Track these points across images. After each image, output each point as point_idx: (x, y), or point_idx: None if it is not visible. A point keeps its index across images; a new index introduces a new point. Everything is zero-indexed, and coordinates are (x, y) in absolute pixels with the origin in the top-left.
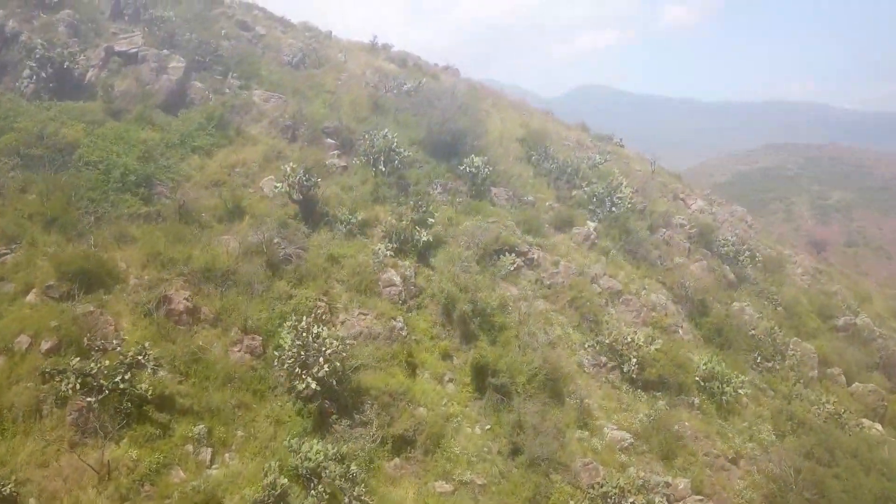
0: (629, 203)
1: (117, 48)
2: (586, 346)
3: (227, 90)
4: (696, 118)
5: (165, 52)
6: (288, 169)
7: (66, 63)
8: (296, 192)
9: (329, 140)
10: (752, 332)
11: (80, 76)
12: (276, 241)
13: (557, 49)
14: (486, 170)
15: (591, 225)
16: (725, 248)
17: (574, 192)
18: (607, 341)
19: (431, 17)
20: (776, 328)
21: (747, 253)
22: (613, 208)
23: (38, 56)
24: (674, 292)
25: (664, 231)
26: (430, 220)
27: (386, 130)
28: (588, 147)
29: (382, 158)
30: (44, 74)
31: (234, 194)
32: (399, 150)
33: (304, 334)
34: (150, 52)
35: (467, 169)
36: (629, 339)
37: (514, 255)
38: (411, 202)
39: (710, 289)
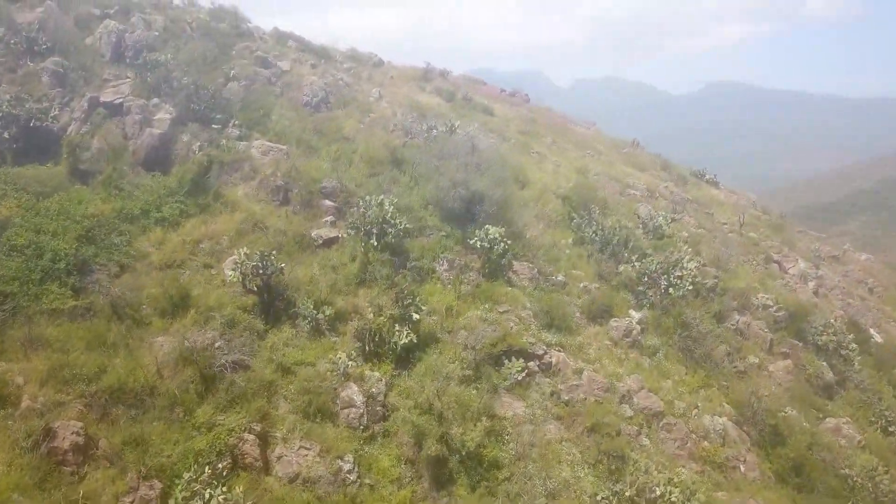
0: (692, 281)
1: (103, 98)
2: (600, 497)
3: (224, 142)
4: (842, 116)
5: (156, 100)
6: (241, 254)
7: (33, 121)
8: (251, 280)
9: (327, 202)
10: (846, 470)
11: (59, 131)
12: (217, 344)
13: (690, 43)
14: (503, 244)
15: (636, 316)
16: (824, 337)
17: (621, 268)
18: (628, 493)
19: (554, 15)
20: (880, 466)
21: (854, 345)
22: (671, 289)
23: (1, 114)
24: (740, 409)
25: (739, 317)
26: (416, 314)
27: (382, 196)
28: (661, 195)
29: (375, 231)
30: (6, 135)
31: (178, 282)
32: (395, 221)
33: (195, 499)
34: (134, 103)
35: (478, 243)
36: (658, 492)
37: (523, 360)
38: (393, 291)
39: (795, 398)
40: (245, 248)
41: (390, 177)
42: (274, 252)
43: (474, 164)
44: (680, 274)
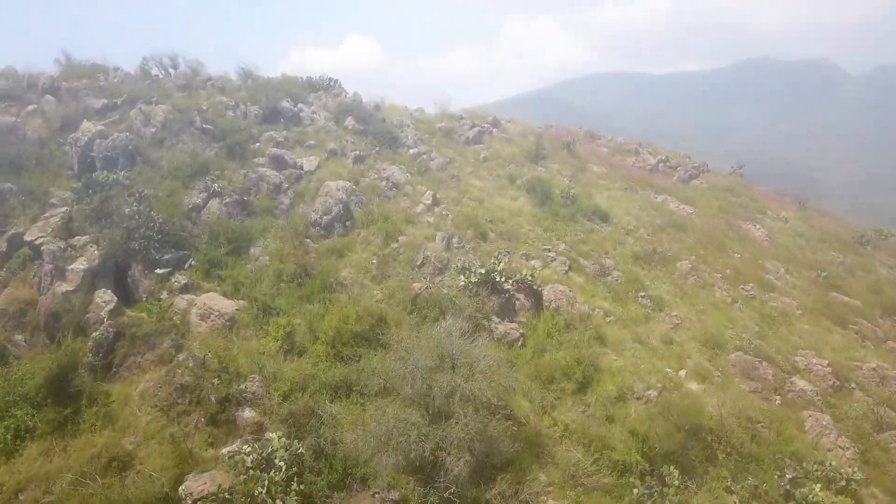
0: None
1: (28, 236)
2: None
3: (165, 295)
4: None
5: (85, 238)
6: None
7: None
8: None
9: (247, 413)
10: None
11: None
12: None
13: None
14: None
15: None
16: None
17: None
18: None
19: None
20: None
21: None
22: None
23: None
24: None
25: None
26: None
27: (276, 435)
28: (860, 387)
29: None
30: None
31: None
32: (291, 487)
33: None
34: (48, 246)
35: None
36: None
37: None
38: None
39: None
40: None
41: (355, 369)
42: None
43: (447, 387)
44: None
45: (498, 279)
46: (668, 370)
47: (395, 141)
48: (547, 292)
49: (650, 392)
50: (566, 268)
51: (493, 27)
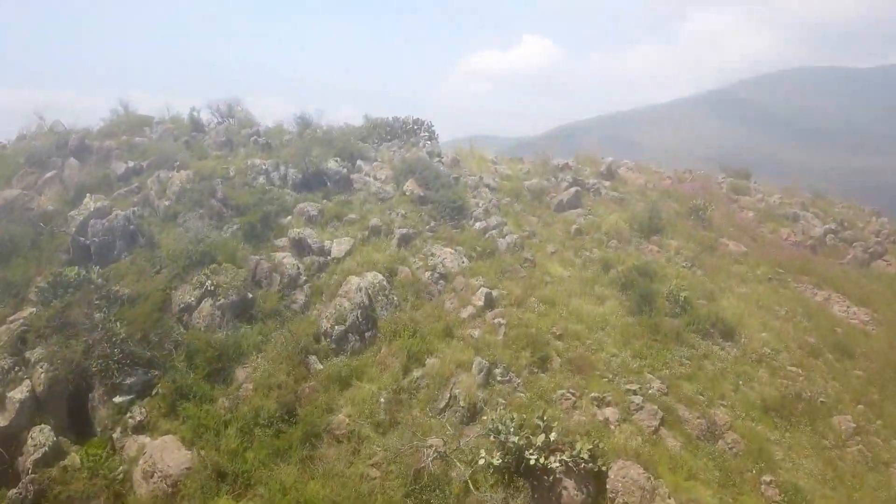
0: None
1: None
2: None
3: (118, 434)
4: None
5: (39, 352)
6: None
7: None
8: None
9: None
10: None
11: None
12: None
13: None
14: None
15: None
16: None
17: None
18: None
19: None
20: None
21: None
22: None
23: None
24: None
25: None
26: None
27: None
28: None
29: None
30: None
31: None
32: None
33: None
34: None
35: None
36: None
37: None
38: None
39: None
40: None
41: None
42: None
43: None
44: None
45: (534, 460)
46: None
47: (461, 211)
48: (613, 475)
49: None
50: (656, 422)
51: (674, 21)
